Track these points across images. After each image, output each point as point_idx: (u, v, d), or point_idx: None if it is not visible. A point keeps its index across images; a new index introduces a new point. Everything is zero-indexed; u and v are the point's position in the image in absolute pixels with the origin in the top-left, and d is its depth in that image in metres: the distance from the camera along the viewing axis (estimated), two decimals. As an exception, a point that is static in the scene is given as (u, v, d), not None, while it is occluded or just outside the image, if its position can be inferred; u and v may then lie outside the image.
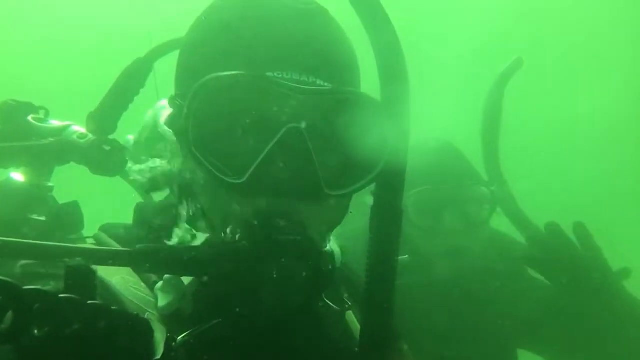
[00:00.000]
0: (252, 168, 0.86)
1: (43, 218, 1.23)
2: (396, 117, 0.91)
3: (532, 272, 2.01)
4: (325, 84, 0.90)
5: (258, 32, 0.91)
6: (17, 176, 1.31)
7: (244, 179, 0.86)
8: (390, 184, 0.91)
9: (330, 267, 0.93)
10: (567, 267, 1.79)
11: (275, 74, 0.87)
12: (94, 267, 0.77)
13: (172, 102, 0.96)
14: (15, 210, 1.28)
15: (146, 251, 0.84)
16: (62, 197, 1.48)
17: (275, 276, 0.84)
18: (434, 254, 1.96)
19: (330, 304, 1.04)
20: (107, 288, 0.86)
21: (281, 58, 0.89)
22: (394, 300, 0.91)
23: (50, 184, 1.34)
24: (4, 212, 1.28)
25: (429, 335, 1.81)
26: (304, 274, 0.86)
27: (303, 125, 0.86)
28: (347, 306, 1.08)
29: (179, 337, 0.83)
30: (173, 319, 0.87)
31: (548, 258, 1.83)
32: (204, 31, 0.97)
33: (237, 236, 0.88)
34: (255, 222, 0.87)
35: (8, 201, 1.28)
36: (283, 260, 0.84)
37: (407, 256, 1.85)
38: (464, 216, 1.96)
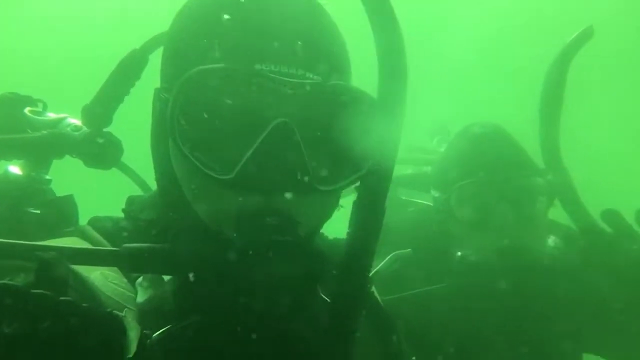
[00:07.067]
0: (241, 163, 0.83)
1: (38, 211, 1.23)
2: (389, 114, 0.87)
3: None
4: (316, 77, 0.87)
5: (246, 23, 0.88)
6: (15, 169, 1.32)
7: (233, 174, 0.83)
8: (375, 182, 0.88)
9: (320, 266, 0.90)
10: (630, 259, 1.58)
11: (264, 67, 0.85)
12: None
13: (158, 95, 0.94)
14: (12, 203, 1.28)
15: (129, 252, 0.82)
16: (70, 190, 1.48)
17: (263, 277, 0.82)
18: (484, 252, 1.76)
19: (326, 298, 1.01)
20: (83, 283, 0.85)
21: (270, 50, 0.86)
22: (364, 292, 0.89)
23: (47, 177, 1.34)
24: (1, 206, 1.28)
25: (480, 341, 1.71)
26: (293, 275, 0.84)
27: (292, 119, 0.84)
28: None
29: (154, 335, 0.80)
30: (153, 315, 0.85)
31: (607, 250, 1.60)
32: (189, 22, 0.94)
33: (225, 234, 0.86)
34: (245, 220, 0.85)
35: (5, 194, 1.29)
36: (272, 261, 0.82)
37: (409, 250, 1.75)
38: (517, 210, 1.74)
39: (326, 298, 1.00)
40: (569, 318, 1.77)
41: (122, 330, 0.76)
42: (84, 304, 0.72)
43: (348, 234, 0.87)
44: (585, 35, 1.75)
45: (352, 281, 0.87)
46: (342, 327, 0.88)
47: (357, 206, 0.86)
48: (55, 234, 1.05)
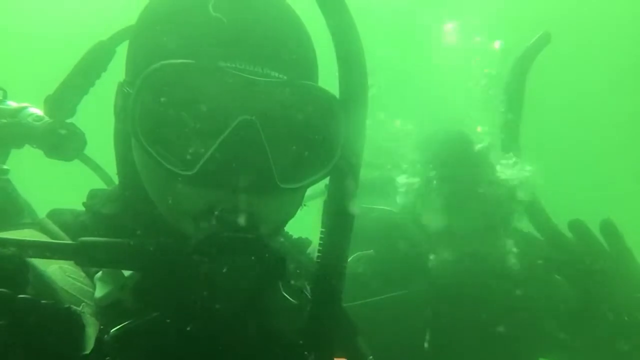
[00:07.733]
0: (203, 160, 0.83)
1: None
2: (353, 112, 0.89)
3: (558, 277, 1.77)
4: (281, 76, 0.88)
5: (212, 20, 0.88)
6: (-30, 157, 1.28)
7: (195, 170, 0.83)
8: (343, 180, 0.90)
9: (281, 265, 0.91)
10: (593, 273, 1.57)
11: (229, 64, 0.85)
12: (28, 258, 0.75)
13: (121, 89, 0.93)
14: None
15: (87, 245, 0.81)
16: (31, 181, 1.43)
17: (222, 275, 0.82)
18: (447, 259, 1.78)
19: (288, 297, 1.01)
20: (41, 278, 0.83)
21: (235, 48, 0.86)
22: (340, 294, 0.91)
23: (5, 167, 1.30)
24: None
25: (439, 347, 1.73)
26: (251, 273, 0.84)
27: (256, 117, 0.84)
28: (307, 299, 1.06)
29: (112, 330, 0.80)
30: (111, 310, 0.84)
31: (571, 263, 1.60)
32: (155, 16, 0.93)
33: (185, 230, 0.86)
34: (205, 217, 0.85)
35: None
36: (232, 258, 0.82)
37: (372, 251, 1.76)
38: (480, 218, 1.75)
39: (287, 296, 1.01)
40: (524, 323, 1.81)
41: (81, 327, 0.75)
42: (42, 301, 0.71)
43: (322, 232, 0.88)
44: (544, 41, 1.80)
45: (327, 281, 0.89)
46: (320, 327, 0.90)
47: (328, 205, 0.88)
48: (11, 225, 1.02)
